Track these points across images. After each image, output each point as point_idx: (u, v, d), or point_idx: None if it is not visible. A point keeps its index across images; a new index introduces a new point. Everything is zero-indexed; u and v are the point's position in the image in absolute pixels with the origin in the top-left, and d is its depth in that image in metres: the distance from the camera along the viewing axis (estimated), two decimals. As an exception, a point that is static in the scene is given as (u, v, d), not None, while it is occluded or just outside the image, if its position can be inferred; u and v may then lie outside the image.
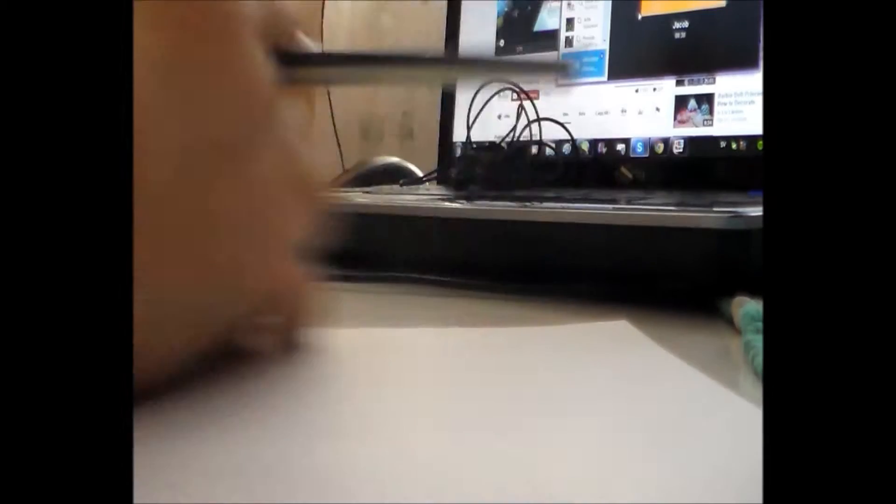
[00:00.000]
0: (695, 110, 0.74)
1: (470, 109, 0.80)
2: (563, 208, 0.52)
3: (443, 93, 0.92)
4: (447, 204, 0.60)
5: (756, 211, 0.45)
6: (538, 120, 0.76)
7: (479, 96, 0.80)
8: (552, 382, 0.32)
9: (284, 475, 0.22)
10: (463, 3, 0.92)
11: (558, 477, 0.22)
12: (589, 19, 0.83)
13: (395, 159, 0.98)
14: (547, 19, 0.86)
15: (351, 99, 1.39)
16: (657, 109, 0.77)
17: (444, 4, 0.94)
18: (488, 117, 0.86)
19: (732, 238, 0.44)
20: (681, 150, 0.75)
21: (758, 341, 0.35)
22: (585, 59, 0.82)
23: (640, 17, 0.79)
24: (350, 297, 0.53)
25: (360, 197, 0.69)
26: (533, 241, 0.52)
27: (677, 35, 0.77)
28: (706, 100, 0.74)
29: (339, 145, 1.13)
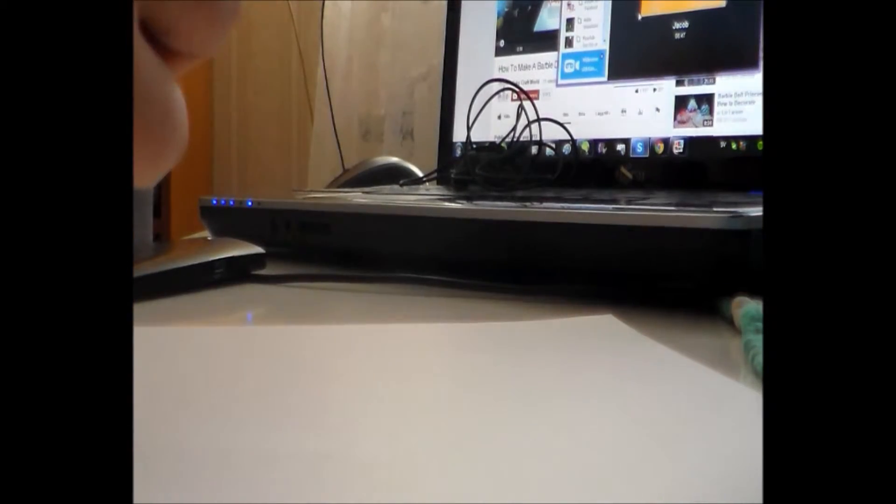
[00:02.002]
0: (695, 110, 0.75)
1: (470, 109, 0.80)
2: (563, 208, 0.52)
3: (443, 93, 0.92)
4: (447, 204, 0.60)
5: (756, 211, 0.45)
6: (538, 120, 0.76)
7: (479, 96, 0.80)
8: (542, 372, 0.33)
9: (278, 465, 0.22)
10: (463, 3, 0.92)
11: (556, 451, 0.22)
12: (589, 19, 0.83)
13: (395, 159, 0.98)
14: (547, 19, 0.86)
15: (351, 99, 1.39)
16: (657, 110, 0.77)
17: (444, 5, 0.94)
18: (488, 117, 0.86)
19: (732, 238, 0.44)
20: (681, 151, 0.75)
21: (758, 341, 0.35)
22: (586, 60, 0.82)
23: (640, 17, 0.79)
24: (350, 296, 0.53)
25: (361, 197, 0.69)
26: (533, 242, 0.52)
27: (677, 35, 0.77)
28: (706, 100, 0.74)
29: (339, 146, 1.13)
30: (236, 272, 0.56)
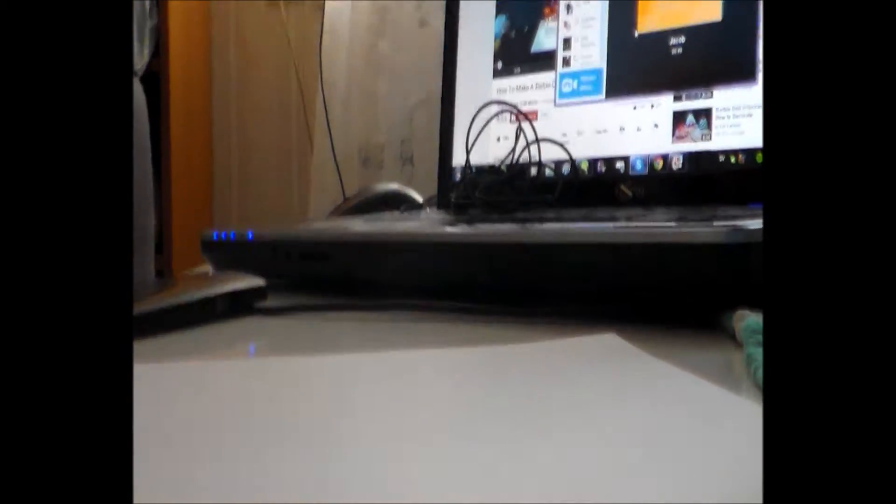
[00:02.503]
0: (693, 125, 0.74)
1: (469, 132, 0.80)
2: (563, 229, 0.52)
3: (441, 117, 0.92)
4: (448, 229, 0.60)
5: (755, 224, 0.45)
6: (537, 141, 0.76)
7: (477, 119, 0.80)
8: (547, 392, 0.32)
9: (284, 497, 0.22)
10: (460, 26, 0.92)
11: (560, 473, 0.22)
12: (586, 38, 0.83)
13: (395, 186, 0.98)
14: (544, 40, 0.86)
15: (350, 127, 1.40)
16: (655, 126, 0.77)
17: (442, 28, 0.94)
18: (487, 140, 0.86)
19: (732, 252, 0.44)
20: (680, 166, 0.75)
21: (759, 354, 0.34)
22: (583, 79, 0.82)
23: (636, 34, 0.80)
24: (353, 325, 0.53)
25: (361, 225, 0.69)
26: (534, 263, 0.52)
27: (674, 51, 0.77)
28: (704, 114, 0.74)
29: (339, 173, 1.13)
30: (238, 306, 0.56)
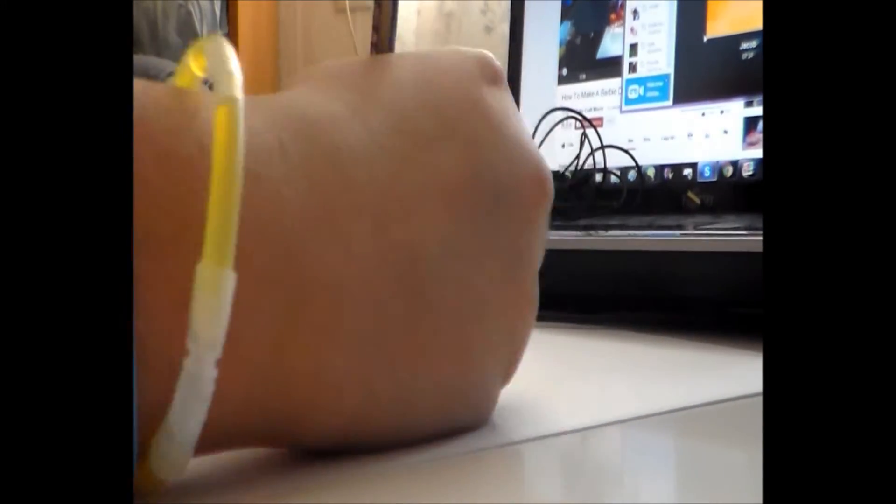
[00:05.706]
0: (764, 131, 0.73)
1: (533, 139, 0.79)
2: (628, 236, 0.51)
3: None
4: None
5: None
6: (602, 147, 0.75)
7: (541, 126, 0.79)
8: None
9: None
10: (525, 32, 0.91)
11: None
12: (653, 44, 0.82)
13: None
14: (610, 46, 0.85)
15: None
16: (725, 132, 0.75)
17: (507, 34, 0.94)
18: (552, 146, 0.85)
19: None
20: (751, 173, 0.73)
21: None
22: (650, 85, 0.81)
23: (705, 39, 0.78)
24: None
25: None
26: (599, 270, 0.51)
27: (745, 56, 0.75)
28: (776, 120, 0.72)
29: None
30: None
